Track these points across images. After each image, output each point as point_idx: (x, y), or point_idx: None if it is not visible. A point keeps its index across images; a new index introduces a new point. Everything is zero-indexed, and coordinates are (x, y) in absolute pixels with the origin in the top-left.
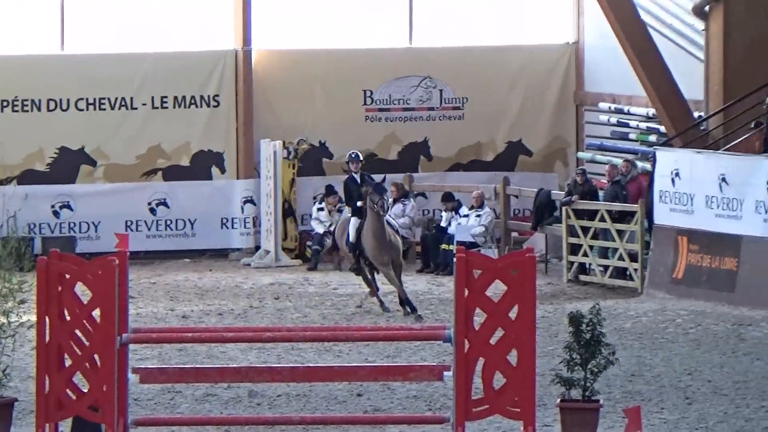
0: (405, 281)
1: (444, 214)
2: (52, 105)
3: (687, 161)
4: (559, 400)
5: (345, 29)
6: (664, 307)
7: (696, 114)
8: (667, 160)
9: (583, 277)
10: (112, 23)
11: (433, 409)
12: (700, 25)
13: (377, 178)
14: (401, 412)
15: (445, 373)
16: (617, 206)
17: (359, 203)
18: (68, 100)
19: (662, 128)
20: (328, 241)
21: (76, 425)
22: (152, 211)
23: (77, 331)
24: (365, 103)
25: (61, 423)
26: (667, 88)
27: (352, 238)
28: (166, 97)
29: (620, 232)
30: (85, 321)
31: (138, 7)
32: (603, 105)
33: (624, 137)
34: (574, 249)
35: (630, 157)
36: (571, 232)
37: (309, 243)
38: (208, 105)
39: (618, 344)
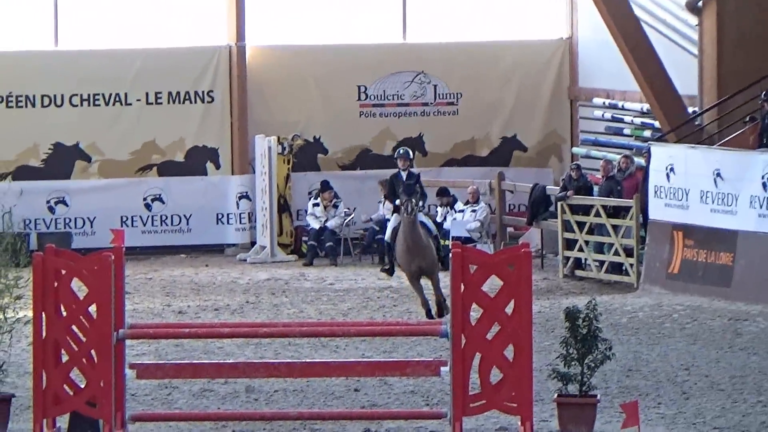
0: (400, 276)
1: (439, 209)
2: (46, 101)
3: (682, 156)
4: (556, 395)
5: (339, 25)
6: (660, 302)
7: (690, 109)
8: (662, 155)
9: (579, 272)
10: (106, 19)
11: (431, 405)
12: (693, 20)
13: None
14: (398, 408)
15: (442, 368)
16: (612, 201)
17: (397, 201)
18: (62, 95)
19: (656, 123)
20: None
21: (74, 421)
22: (147, 206)
23: (74, 327)
24: (359, 99)
25: (59, 419)
26: (661, 83)
27: (387, 236)
28: (160, 92)
29: (615, 228)
30: (81, 317)
31: (132, 3)
32: (597, 100)
33: (618, 132)
34: (570, 244)
35: (627, 152)
36: (567, 227)
37: (304, 238)
38: (203, 101)
39: (614, 339)
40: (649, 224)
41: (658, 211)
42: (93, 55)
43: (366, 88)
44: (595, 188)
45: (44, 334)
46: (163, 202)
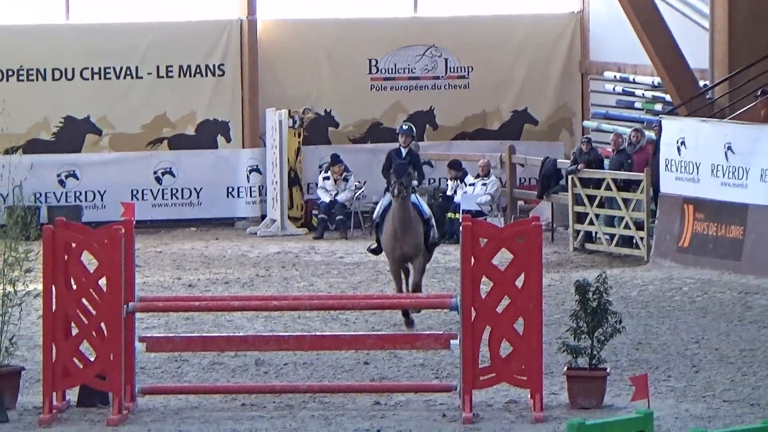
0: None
1: (450, 182)
2: (57, 74)
3: (693, 130)
4: (565, 368)
5: None
6: (670, 276)
7: (701, 83)
8: (673, 128)
9: (589, 246)
10: None
11: (440, 378)
12: None
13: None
14: (408, 381)
15: (452, 341)
16: (623, 175)
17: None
18: (73, 69)
19: (668, 97)
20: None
21: (84, 393)
22: (158, 180)
23: (84, 300)
24: (370, 72)
25: (69, 391)
26: (672, 57)
27: (376, 215)
28: (171, 66)
29: (626, 201)
30: (91, 290)
31: None
32: (608, 74)
33: (629, 106)
34: (580, 217)
35: (638, 126)
36: (577, 200)
37: (315, 212)
38: (213, 74)
39: (624, 312)
40: (660, 197)
41: (668, 184)
42: (104, 28)
43: (377, 62)
44: (606, 161)
45: (54, 307)
46: (174, 176)
